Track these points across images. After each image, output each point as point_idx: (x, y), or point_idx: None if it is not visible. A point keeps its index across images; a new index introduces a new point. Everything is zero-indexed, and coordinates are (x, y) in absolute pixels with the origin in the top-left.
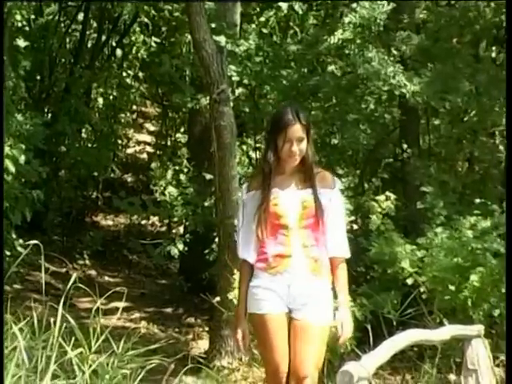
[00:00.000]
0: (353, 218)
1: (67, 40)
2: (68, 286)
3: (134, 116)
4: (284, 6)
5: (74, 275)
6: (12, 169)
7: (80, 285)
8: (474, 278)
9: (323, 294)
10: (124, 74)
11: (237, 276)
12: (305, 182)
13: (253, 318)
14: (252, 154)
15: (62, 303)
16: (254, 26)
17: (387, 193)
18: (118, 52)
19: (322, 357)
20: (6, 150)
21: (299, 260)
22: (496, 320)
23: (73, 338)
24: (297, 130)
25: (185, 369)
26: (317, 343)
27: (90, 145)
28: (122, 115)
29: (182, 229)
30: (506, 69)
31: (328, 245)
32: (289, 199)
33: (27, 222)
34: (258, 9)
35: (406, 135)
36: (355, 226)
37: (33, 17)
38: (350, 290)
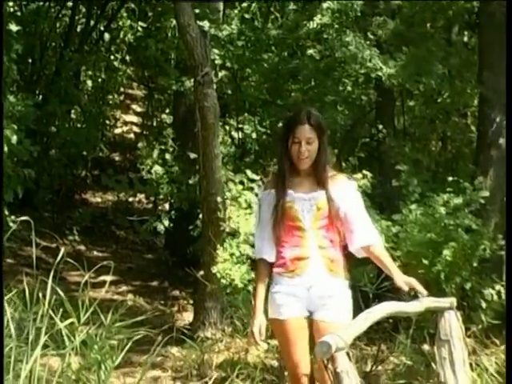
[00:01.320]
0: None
1: (57, 25)
2: (57, 260)
3: (122, 98)
4: None
5: (63, 250)
6: (4, 148)
7: (69, 259)
8: (446, 252)
9: (342, 293)
10: (112, 57)
11: (220, 251)
12: (318, 184)
13: (274, 324)
14: (234, 134)
15: (51, 277)
16: (236, 11)
17: (364, 171)
18: (106, 36)
19: None
20: None
21: (317, 261)
22: (468, 293)
23: (62, 310)
24: (306, 130)
25: (169, 339)
26: None
27: (79, 125)
28: (110, 97)
29: (167, 206)
30: (506, 69)
31: (362, 238)
32: (303, 201)
33: (19, 199)
34: None
35: (381, 116)
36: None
37: (24, 2)
38: None
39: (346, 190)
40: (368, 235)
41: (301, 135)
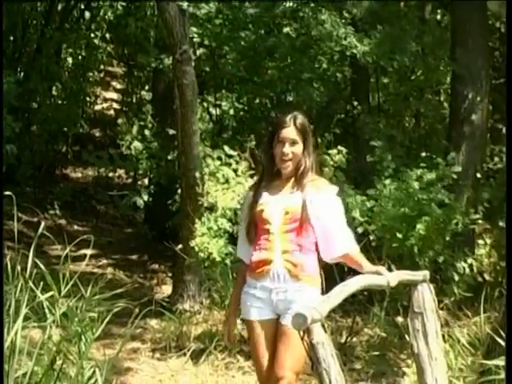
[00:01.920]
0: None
1: (38, 3)
2: (38, 234)
3: (102, 75)
4: None
5: (43, 224)
6: None
7: (47, 234)
8: (419, 226)
9: (305, 298)
10: (92, 35)
11: (198, 225)
12: (297, 187)
13: (245, 322)
14: (212, 111)
15: (32, 250)
16: None
17: (339, 147)
18: (87, 14)
19: (301, 361)
20: None
21: (279, 265)
22: (440, 266)
23: (43, 283)
24: (290, 131)
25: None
26: (297, 348)
27: (60, 102)
28: (90, 74)
29: (146, 181)
30: (506, 69)
31: (339, 247)
32: (274, 204)
33: (1, 174)
34: None
35: (356, 93)
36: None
37: None
38: None
39: (323, 195)
40: (346, 243)
41: (285, 136)
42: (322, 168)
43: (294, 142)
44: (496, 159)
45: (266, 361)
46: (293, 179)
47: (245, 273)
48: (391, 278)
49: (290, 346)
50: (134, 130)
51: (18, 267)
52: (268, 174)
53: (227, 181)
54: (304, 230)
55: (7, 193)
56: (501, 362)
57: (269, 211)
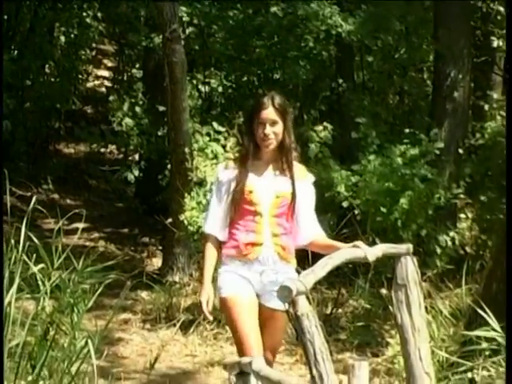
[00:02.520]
0: (294, 145)
1: None
2: (30, 208)
3: (94, 53)
4: None
5: (35, 198)
6: None
7: (40, 208)
8: (403, 200)
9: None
10: (84, 14)
11: (187, 199)
12: (282, 170)
13: (223, 301)
14: (201, 88)
15: (25, 223)
16: None
17: (324, 123)
18: None
19: (282, 340)
20: None
21: (270, 248)
22: (423, 239)
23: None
24: (270, 112)
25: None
26: (281, 329)
27: (53, 79)
28: (83, 52)
29: (137, 156)
30: (506, 69)
31: (310, 232)
32: (264, 187)
33: None
34: None
35: (341, 71)
36: (296, 154)
37: None
38: None
39: (305, 184)
40: (313, 233)
41: (266, 117)
42: (308, 144)
43: (274, 123)
44: (478, 135)
45: (255, 329)
46: (276, 161)
47: (217, 248)
48: (368, 251)
49: (277, 328)
50: (125, 106)
51: (12, 240)
52: (250, 155)
53: (216, 156)
54: (290, 215)
55: None
56: (481, 332)
57: (259, 194)
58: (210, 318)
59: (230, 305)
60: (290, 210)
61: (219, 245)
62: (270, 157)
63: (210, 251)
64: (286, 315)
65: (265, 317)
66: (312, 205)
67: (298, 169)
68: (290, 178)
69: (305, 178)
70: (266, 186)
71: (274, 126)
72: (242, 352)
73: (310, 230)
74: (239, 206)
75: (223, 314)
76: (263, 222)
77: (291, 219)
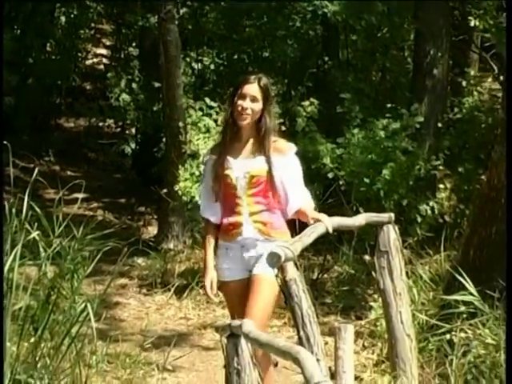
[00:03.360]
0: (281, 120)
1: None
2: (32, 179)
3: (92, 32)
4: None
5: (37, 170)
6: None
7: (42, 179)
8: (385, 172)
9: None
10: None
11: (181, 171)
12: (258, 150)
13: (220, 284)
14: (194, 65)
15: (27, 193)
16: None
17: (311, 99)
18: None
19: (269, 306)
20: None
21: (249, 227)
22: (404, 208)
23: (38, 224)
24: (252, 88)
25: (135, 251)
26: (266, 291)
27: (54, 57)
28: (82, 31)
29: (134, 130)
30: (506, 69)
31: (294, 203)
32: (239, 169)
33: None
34: None
35: (327, 49)
36: (283, 128)
37: None
38: None
39: (285, 158)
40: (300, 200)
41: (247, 91)
42: (295, 118)
43: (254, 99)
44: (456, 110)
45: (243, 316)
46: (253, 141)
47: (214, 230)
48: (329, 224)
49: (260, 291)
50: (123, 83)
51: (16, 209)
52: (229, 134)
53: (208, 130)
54: (269, 192)
55: (3, 142)
56: (459, 296)
57: (234, 176)
58: (216, 300)
59: (223, 291)
60: (269, 186)
61: (216, 226)
62: (248, 136)
63: (208, 234)
64: (263, 281)
65: (249, 283)
66: (297, 176)
67: (279, 145)
68: (265, 156)
69: (287, 153)
70: (241, 168)
71: (253, 103)
72: None
73: (295, 204)
74: (222, 189)
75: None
76: (241, 203)
77: (273, 195)
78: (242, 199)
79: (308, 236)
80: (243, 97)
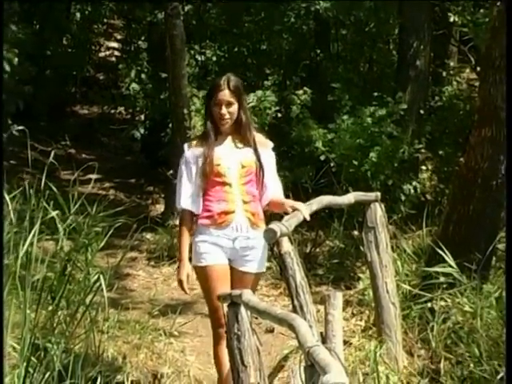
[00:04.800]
0: (277, 108)
1: None
2: (49, 161)
3: (105, 27)
4: None
5: (53, 153)
6: (8, 69)
7: (58, 161)
8: (372, 154)
9: (261, 245)
10: None
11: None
12: (244, 141)
13: (197, 270)
14: (198, 57)
15: (45, 174)
16: None
17: (304, 88)
18: None
19: None
20: (4, 53)
21: (241, 215)
22: (390, 188)
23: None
24: (225, 94)
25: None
26: (255, 287)
27: (69, 50)
28: (95, 26)
29: (143, 116)
30: (506, 68)
31: (269, 193)
32: (230, 159)
33: (20, 111)
34: None
35: (319, 42)
36: (279, 115)
37: None
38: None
39: (267, 151)
40: (276, 193)
41: (221, 99)
42: (290, 106)
43: (229, 104)
44: (436, 98)
45: (220, 305)
46: (238, 135)
47: (191, 223)
48: (305, 212)
49: (246, 288)
50: (132, 73)
51: (35, 189)
52: (211, 132)
53: None
54: (257, 182)
55: (21, 127)
56: (439, 268)
57: (226, 165)
58: (190, 293)
59: (203, 276)
60: (256, 177)
61: (192, 218)
62: (230, 131)
63: (186, 227)
64: (255, 278)
65: (236, 279)
66: (273, 169)
67: (260, 138)
68: (252, 148)
69: (266, 147)
70: (231, 158)
71: (229, 107)
72: (212, 320)
73: (269, 193)
74: (209, 179)
75: (198, 281)
76: (233, 191)
77: (259, 186)
78: (234, 188)
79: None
80: (218, 104)
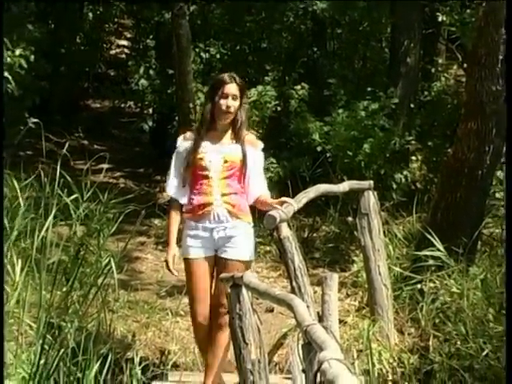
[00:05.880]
0: (277, 102)
1: None
2: (63, 151)
3: (115, 26)
4: None
5: (67, 144)
6: (25, 65)
7: (72, 152)
8: (366, 146)
9: (242, 234)
10: None
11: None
12: (233, 138)
13: (184, 262)
14: (203, 55)
15: (59, 164)
16: None
17: (302, 83)
18: None
19: None
20: (20, 51)
21: (219, 207)
22: (382, 177)
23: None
24: (232, 87)
25: (152, 213)
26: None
27: (82, 48)
28: (107, 26)
29: (151, 110)
30: (506, 68)
31: (255, 192)
32: (214, 153)
33: (37, 105)
34: None
35: (316, 41)
36: (279, 109)
37: None
38: (276, 155)
39: (256, 151)
40: (262, 191)
41: (228, 91)
42: (289, 100)
43: (234, 97)
44: (426, 93)
45: (204, 292)
46: (229, 131)
47: (179, 210)
48: (293, 202)
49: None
50: (141, 70)
51: (50, 178)
52: (206, 126)
53: None
54: (239, 177)
55: (37, 120)
56: (428, 252)
57: (208, 159)
58: (176, 273)
59: (186, 268)
60: (240, 172)
61: (180, 206)
62: (223, 128)
63: (173, 214)
64: (240, 265)
65: (220, 267)
66: (261, 169)
67: (251, 138)
68: (240, 146)
69: (256, 147)
70: (215, 153)
71: (234, 101)
72: (191, 312)
73: (256, 191)
74: (192, 171)
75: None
76: (213, 185)
77: (243, 181)
78: (214, 181)
79: (298, 202)
80: (225, 96)
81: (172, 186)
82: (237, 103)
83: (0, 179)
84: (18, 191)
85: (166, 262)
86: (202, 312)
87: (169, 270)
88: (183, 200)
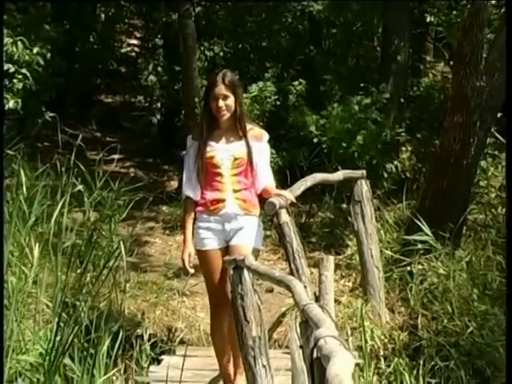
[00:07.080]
0: (276, 97)
1: None
2: (77, 143)
3: (126, 26)
4: None
5: (81, 136)
6: (42, 63)
7: (86, 143)
8: (359, 137)
9: (251, 225)
10: None
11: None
12: (238, 135)
13: (198, 254)
14: (207, 53)
15: (73, 154)
16: None
17: (300, 79)
18: None
19: None
20: (37, 49)
21: (231, 202)
22: (374, 166)
23: (83, 179)
24: (221, 89)
25: (160, 200)
26: None
27: (95, 46)
28: (118, 26)
29: (159, 104)
30: (506, 68)
31: (262, 183)
32: (223, 151)
33: (53, 100)
34: None
35: (313, 40)
36: (278, 103)
37: None
38: (276, 146)
39: (261, 144)
40: (267, 183)
41: (217, 93)
42: (287, 95)
43: (225, 97)
44: (415, 88)
45: (219, 281)
46: (233, 128)
47: (193, 208)
48: (288, 195)
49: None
50: (150, 67)
51: (65, 167)
52: (208, 126)
53: None
54: (249, 172)
55: (54, 114)
56: (417, 236)
57: (219, 157)
58: (192, 271)
59: (201, 259)
60: (247, 167)
61: (194, 204)
62: (227, 125)
63: (188, 212)
64: (247, 246)
65: (229, 252)
66: (267, 160)
67: (255, 132)
68: (245, 141)
69: (261, 139)
70: (224, 151)
71: (226, 100)
72: (209, 297)
73: (262, 182)
74: (206, 170)
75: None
76: (225, 181)
77: (251, 175)
78: (226, 178)
79: (297, 189)
80: (215, 98)
81: (186, 187)
82: (229, 101)
83: (0, 179)
84: (35, 180)
85: (182, 260)
86: (220, 303)
87: (184, 267)
88: (196, 196)
